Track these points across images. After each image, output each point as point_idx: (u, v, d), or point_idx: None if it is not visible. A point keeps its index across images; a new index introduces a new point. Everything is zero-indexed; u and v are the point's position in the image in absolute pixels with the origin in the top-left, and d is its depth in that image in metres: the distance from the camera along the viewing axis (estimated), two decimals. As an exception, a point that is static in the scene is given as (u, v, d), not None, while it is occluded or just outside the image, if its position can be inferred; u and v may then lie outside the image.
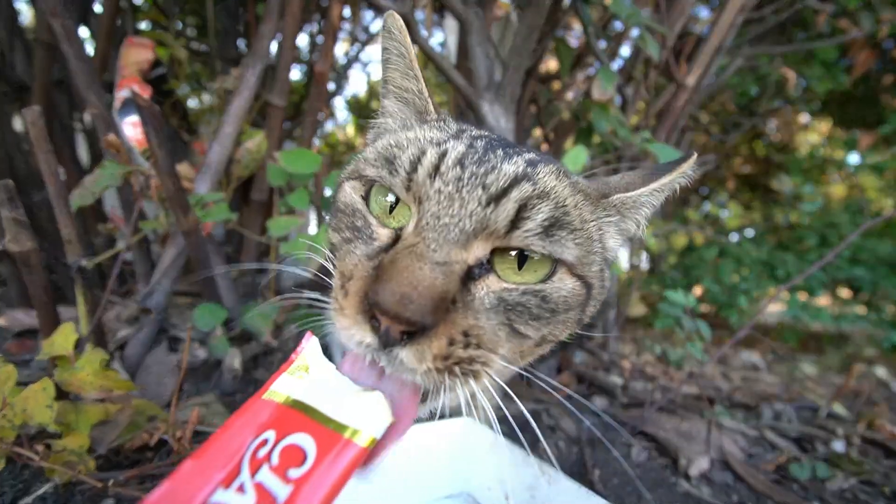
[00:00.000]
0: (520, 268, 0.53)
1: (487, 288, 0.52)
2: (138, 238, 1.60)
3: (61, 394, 0.92)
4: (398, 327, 0.45)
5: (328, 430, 0.45)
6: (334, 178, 1.27)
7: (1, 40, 1.56)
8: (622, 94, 1.95)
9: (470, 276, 0.51)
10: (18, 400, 0.79)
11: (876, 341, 4.58)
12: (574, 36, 2.90)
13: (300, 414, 0.47)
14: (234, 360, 1.44)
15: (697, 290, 4.97)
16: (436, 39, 3.49)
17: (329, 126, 4.78)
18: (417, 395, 0.51)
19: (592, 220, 0.62)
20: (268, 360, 1.56)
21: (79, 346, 1.11)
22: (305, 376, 0.51)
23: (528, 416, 0.56)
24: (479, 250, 0.52)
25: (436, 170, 0.52)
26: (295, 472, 0.42)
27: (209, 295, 1.55)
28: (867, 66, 3.50)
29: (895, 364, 4.09)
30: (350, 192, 0.59)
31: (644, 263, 5.88)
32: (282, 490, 0.41)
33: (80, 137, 1.96)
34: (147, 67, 1.60)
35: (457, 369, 0.48)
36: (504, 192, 0.51)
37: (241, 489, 0.42)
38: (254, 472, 0.42)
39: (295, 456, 0.43)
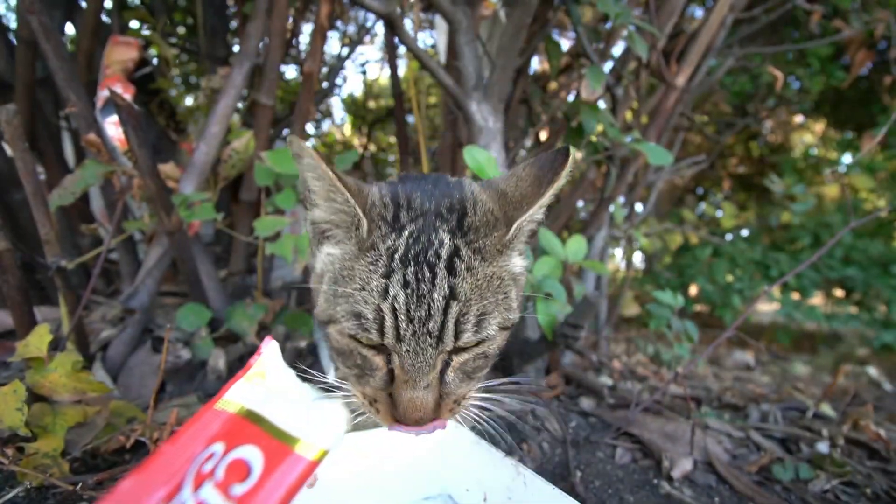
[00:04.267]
0: None
1: (454, 371, 0.71)
2: (123, 238, 1.59)
3: (38, 396, 0.91)
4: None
5: (278, 442, 0.44)
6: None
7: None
8: (612, 93, 1.94)
9: (442, 372, 0.71)
10: (-11, 402, 0.78)
11: (868, 341, 4.60)
12: (570, 38, 2.89)
13: (251, 425, 0.45)
14: (218, 360, 1.43)
15: (693, 290, 4.98)
16: (427, 42, 3.49)
17: (326, 125, 4.77)
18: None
19: (501, 265, 0.72)
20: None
21: (59, 346, 1.11)
22: (262, 383, 0.50)
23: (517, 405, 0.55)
24: (441, 360, 0.70)
25: (397, 334, 0.66)
26: (238, 489, 0.40)
27: (196, 295, 1.54)
28: (864, 64, 3.49)
29: (887, 363, 4.10)
30: (338, 338, 0.71)
31: (639, 263, 5.90)
32: None
33: (67, 136, 1.94)
34: (132, 66, 1.58)
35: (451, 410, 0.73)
36: (443, 326, 0.66)
37: None
38: (197, 487, 0.41)
39: (239, 471, 0.42)
